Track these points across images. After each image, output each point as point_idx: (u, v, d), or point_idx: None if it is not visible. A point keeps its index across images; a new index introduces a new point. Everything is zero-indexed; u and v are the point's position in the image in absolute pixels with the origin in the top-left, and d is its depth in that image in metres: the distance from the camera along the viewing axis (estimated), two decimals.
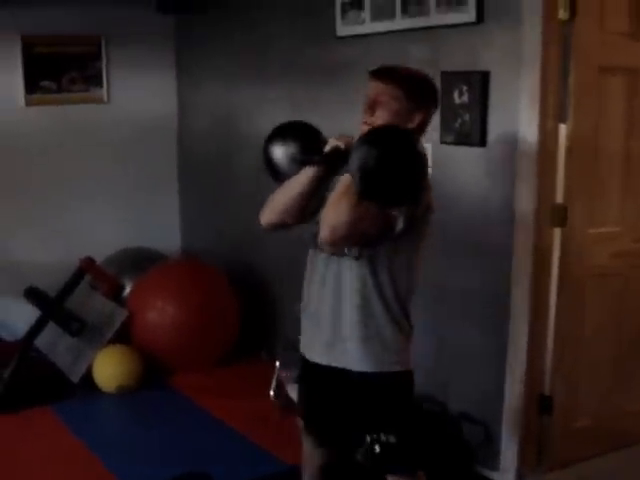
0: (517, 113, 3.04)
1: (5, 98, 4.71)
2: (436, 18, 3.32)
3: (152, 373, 4.27)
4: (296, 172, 2.41)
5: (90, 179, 5.05)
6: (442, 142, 3.35)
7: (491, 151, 3.18)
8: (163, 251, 5.08)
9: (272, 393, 3.96)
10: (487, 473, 3.37)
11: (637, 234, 3.33)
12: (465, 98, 3.22)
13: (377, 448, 2.37)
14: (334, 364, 2.43)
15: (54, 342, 4.49)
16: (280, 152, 2.50)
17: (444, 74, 3.29)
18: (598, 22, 3.02)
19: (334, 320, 2.41)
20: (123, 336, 4.33)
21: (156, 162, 5.29)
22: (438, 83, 3.30)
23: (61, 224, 4.97)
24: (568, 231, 3.13)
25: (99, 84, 4.97)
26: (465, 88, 3.21)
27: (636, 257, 3.33)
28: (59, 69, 4.83)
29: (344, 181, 2.20)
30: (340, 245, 2.31)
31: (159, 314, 4.31)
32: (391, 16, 3.53)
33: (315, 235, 2.37)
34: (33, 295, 4.49)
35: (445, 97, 3.29)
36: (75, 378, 4.22)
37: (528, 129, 3.00)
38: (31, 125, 4.79)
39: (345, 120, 3.92)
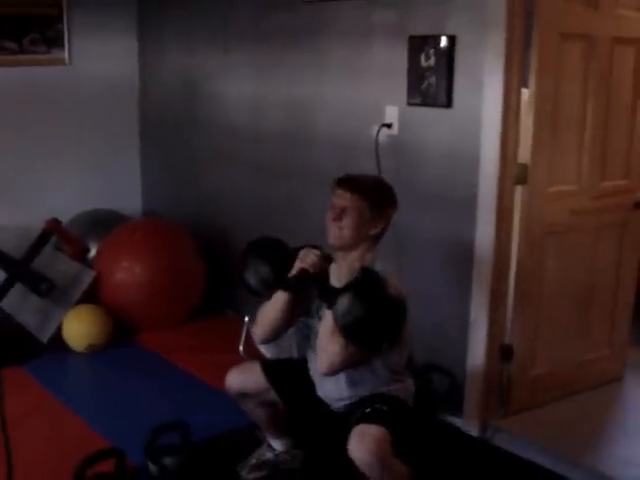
0: (482, 77, 3.17)
1: None
2: None
3: (121, 332, 4.34)
4: (272, 291, 2.70)
5: (52, 141, 5.04)
6: (409, 104, 3.47)
7: (456, 112, 3.32)
8: (125, 213, 5.13)
9: (241, 347, 4.07)
10: (452, 420, 3.55)
11: (594, 192, 3.50)
12: (431, 61, 3.35)
13: (368, 410, 2.58)
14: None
15: (21, 304, 4.51)
16: (253, 280, 2.79)
17: (411, 38, 3.42)
18: None
19: (334, 392, 2.75)
20: (91, 296, 4.39)
21: (118, 124, 5.30)
22: (405, 48, 3.44)
23: (23, 187, 4.95)
24: (529, 189, 3.29)
25: (61, 46, 4.95)
26: (432, 52, 3.34)
27: (593, 214, 3.51)
28: (21, 30, 4.80)
29: (329, 323, 2.48)
30: (338, 373, 2.62)
31: (126, 273, 4.38)
32: None
33: (308, 337, 2.79)
34: None
35: (412, 60, 3.42)
36: (44, 338, 4.27)
37: (492, 92, 3.14)
38: None
39: (309, 84, 4.03)
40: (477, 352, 3.42)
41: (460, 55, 3.27)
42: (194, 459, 3.09)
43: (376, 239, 2.68)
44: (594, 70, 3.35)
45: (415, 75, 3.41)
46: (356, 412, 2.61)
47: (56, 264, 4.55)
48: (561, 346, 3.60)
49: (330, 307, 2.48)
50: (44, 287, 4.25)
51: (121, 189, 5.38)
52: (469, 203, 3.31)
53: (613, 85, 3.45)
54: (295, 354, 3.34)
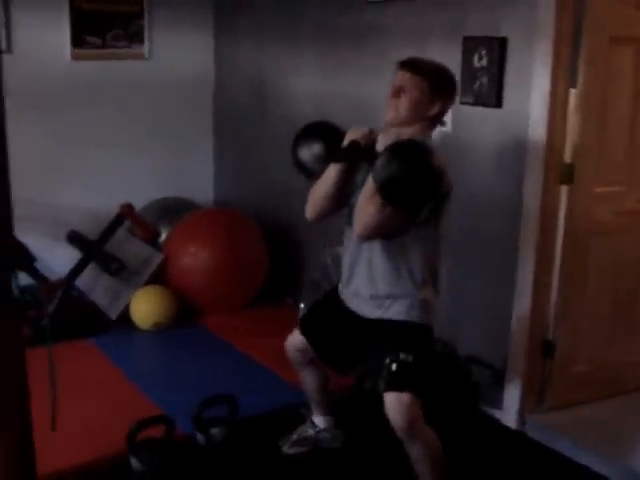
0: (531, 77, 3.27)
1: (54, 52, 4.95)
2: None
3: (185, 313, 4.58)
4: (323, 169, 2.76)
5: (131, 131, 5.31)
6: (461, 103, 3.58)
7: (506, 112, 3.41)
8: (197, 201, 5.38)
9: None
10: (491, 412, 3.65)
11: None
12: (484, 62, 3.45)
13: (394, 366, 2.67)
14: (359, 311, 2.84)
15: (94, 283, 4.81)
16: (306, 154, 2.83)
17: (465, 39, 3.53)
18: None
19: (368, 284, 2.77)
20: (159, 278, 4.64)
21: (193, 117, 5.55)
22: (459, 48, 3.56)
23: (102, 173, 5.22)
24: (575, 189, 3.36)
25: (141, 41, 5.22)
26: (484, 53, 3.44)
27: (638, 215, 3.55)
28: (104, 26, 5.07)
29: (370, 185, 2.54)
30: (372, 238, 2.68)
31: (192, 258, 4.61)
32: None
33: (349, 215, 2.78)
34: (75, 238, 4.81)
35: (465, 61, 3.53)
36: (113, 315, 4.54)
37: (540, 92, 3.23)
38: (77, 78, 5.02)
39: (371, 82, 4.17)
40: (519, 347, 3.51)
41: (511, 57, 3.37)
42: (239, 431, 3.28)
43: (432, 121, 2.71)
44: None
45: (468, 75, 3.52)
46: (384, 352, 2.70)
47: (128, 246, 4.83)
48: (604, 345, 3.64)
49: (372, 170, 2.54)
50: (114, 267, 4.54)
51: (194, 179, 5.62)
52: (516, 200, 3.40)
53: None
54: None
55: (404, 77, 2.66)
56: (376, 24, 4.10)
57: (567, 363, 3.58)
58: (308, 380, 3.20)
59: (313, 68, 4.63)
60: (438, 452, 2.74)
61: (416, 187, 2.46)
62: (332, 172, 2.73)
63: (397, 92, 2.65)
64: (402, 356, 2.68)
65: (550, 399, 3.59)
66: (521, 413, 3.55)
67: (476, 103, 3.52)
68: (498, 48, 3.38)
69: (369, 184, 2.57)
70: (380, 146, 2.68)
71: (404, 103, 2.64)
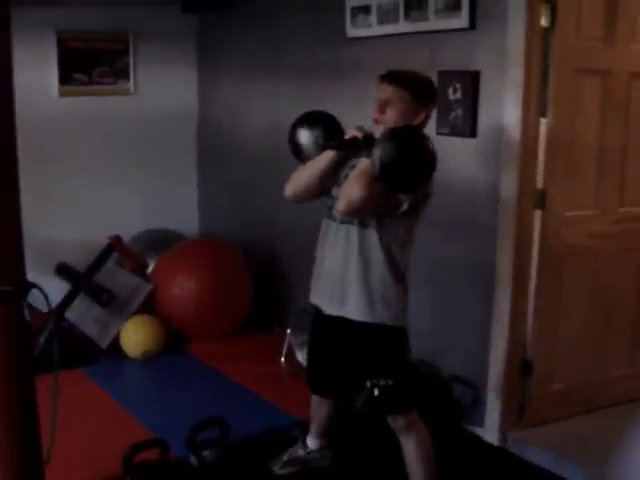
0: (503, 108, 3.44)
1: (41, 89, 5.10)
2: (434, 23, 3.71)
3: (173, 341, 4.70)
4: (317, 154, 2.87)
5: (117, 165, 5.46)
6: (438, 133, 3.73)
7: (480, 141, 3.58)
8: (183, 232, 5.51)
9: (283, 358, 4.39)
10: (474, 429, 3.77)
11: (611, 217, 3.71)
12: (458, 94, 3.62)
13: (376, 391, 2.79)
14: (336, 313, 2.90)
15: (83, 314, 4.90)
16: (305, 135, 2.96)
17: (440, 73, 3.70)
18: (575, 28, 3.41)
19: (341, 276, 2.86)
20: (147, 308, 4.76)
21: (177, 150, 5.72)
22: (435, 81, 3.71)
23: (89, 206, 5.36)
24: (547, 213, 3.52)
25: (126, 77, 5.39)
26: (459, 86, 3.62)
27: (609, 238, 3.71)
28: (90, 63, 5.25)
29: (364, 163, 2.66)
30: (352, 215, 2.75)
31: (180, 288, 4.73)
32: (395, 21, 3.93)
33: (330, 208, 2.87)
34: (64, 270, 4.91)
35: (441, 93, 3.67)
36: (104, 344, 4.64)
37: (512, 122, 3.40)
38: (64, 114, 5.17)
39: (353, 115, 4.31)
40: (498, 366, 3.64)
41: (483, 89, 3.54)
42: (231, 453, 3.39)
43: (419, 128, 2.80)
44: (612, 102, 3.58)
45: (444, 107, 3.69)
46: (364, 375, 2.80)
47: (117, 277, 4.94)
48: (581, 363, 3.78)
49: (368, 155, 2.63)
50: (105, 297, 4.64)
51: (179, 211, 5.77)
52: (491, 226, 3.56)
53: (632, 115, 3.66)
54: None
55: (387, 91, 2.78)
56: (354, 59, 4.27)
57: (545, 381, 3.71)
58: (321, 407, 3.29)
59: (294, 102, 4.78)
60: (429, 448, 2.91)
61: (414, 166, 2.55)
62: (325, 158, 2.81)
63: (383, 106, 2.78)
64: (382, 382, 2.79)
65: (529, 416, 3.72)
66: (502, 430, 3.67)
67: (452, 133, 3.69)
68: (471, 81, 3.55)
69: (360, 165, 2.67)
70: None
71: (391, 116, 2.76)
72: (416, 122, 2.79)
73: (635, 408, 3.93)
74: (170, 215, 5.62)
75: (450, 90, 3.66)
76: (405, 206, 2.69)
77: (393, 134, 2.58)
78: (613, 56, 3.55)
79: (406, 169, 2.55)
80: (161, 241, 5.24)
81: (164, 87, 5.54)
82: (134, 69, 5.40)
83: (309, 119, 3.00)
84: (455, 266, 3.80)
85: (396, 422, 2.89)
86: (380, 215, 2.75)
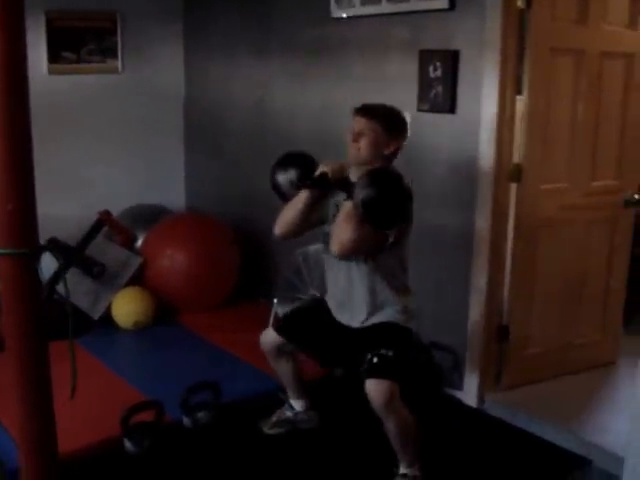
0: (481, 86, 3.61)
1: (31, 67, 5.10)
2: (416, 4, 3.87)
3: (163, 312, 4.85)
4: (296, 193, 3.10)
5: (105, 142, 5.55)
6: (419, 110, 3.91)
7: (459, 117, 3.75)
8: (170, 207, 5.65)
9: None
10: (453, 393, 3.97)
11: (583, 190, 3.90)
12: (439, 72, 3.78)
13: (375, 359, 2.97)
14: (346, 322, 3.19)
15: (75, 287, 5.03)
16: (282, 178, 3.21)
17: (421, 52, 3.86)
18: (550, 10, 3.57)
19: (349, 302, 3.13)
20: (137, 280, 4.90)
21: (164, 127, 5.83)
22: (416, 60, 3.89)
23: (79, 183, 5.46)
24: (523, 186, 3.70)
25: (114, 56, 5.48)
26: (439, 64, 3.77)
27: (581, 210, 3.90)
28: (79, 42, 5.33)
29: (348, 207, 2.90)
30: (347, 256, 3.01)
31: (169, 260, 4.88)
32: (378, 1, 4.07)
33: (326, 242, 3.11)
34: (55, 245, 5.03)
35: (422, 72, 3.87)
36: (95, 316, 4.78)
37: (490, 99, 3.57)
38: (53, 91, 5.23)
39: (338, 92, 4.49)
40: (476, 332, 3.83)
41: (463, 67, 3.70)
42: (223, 415, 3.56)
43: (389, 159, 3.03)
44: (584, 80, 3.75)
45: (424, 84, 3.85)
46: (367, 351, 2.99)
47: (107, 251, 5.07)
48: (554, 329, 3.98)
49: (348, 196, 2.89)
50: (96, 270, 4.78)
51: (167, 186, 5.89)
52: (469, 197, 3.74)
53: (604, 94, 3.84)
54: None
55: (360, 122, 3.01)
56: (339, 39, 4.41)
57: (521, 346, 3.91)
58: (283, 370, 3.48)
59: (281, 79, 4.93)
60: (412, 428, 3.03)
61: (393, 206, 2.84)
62: (302, 197, 3.06)
63: (356, 138, 3.01)
64: (383, 351, 2.98)
65: (506, 379, 3.92)
66: (480, 393, 3.87)
67: (432, 110, 3.85)
68: (451, 60, 3.71)
69: (345, 209, 2.91)
70: (354, 177, 3.02)
71: (364, 146, 2.99)
72: (387, 152, 3.02)
73: (604, 372, 4.16)
74: (158, 190, 5.76)
75: (431, 68, 3.82)
76: (391, 239, 2.95)
77: (371, 179, 2.82)
78: (586, 36, 3.72)
79: (387, 209, 2.83)
80: (149, 216, 5.37)
81: (151, 65, 5.64)
82: (122, 48, 5.49)
83: (284, 161, 3.23)
84: (434, 236, 3.97)
85: (378, 392, 2.92)
86: (372, 251, 3.00)
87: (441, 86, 3.78)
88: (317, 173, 3.04)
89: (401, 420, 2.97)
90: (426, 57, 3.83)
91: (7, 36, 1.93)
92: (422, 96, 3.88)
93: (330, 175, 3.00)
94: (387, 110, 3.08)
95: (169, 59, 5.76)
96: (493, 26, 3.51)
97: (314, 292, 4.11)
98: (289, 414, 3.58)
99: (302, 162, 3.19)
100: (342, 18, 4.34)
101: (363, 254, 3.00)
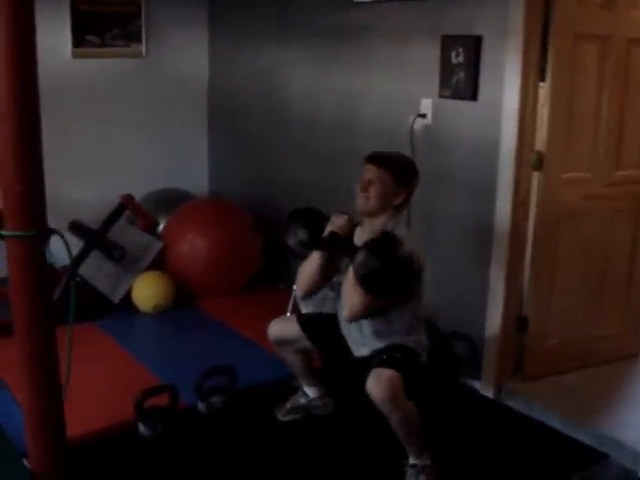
0: (503, 72, 3.55)
1: (55, 51, 5.20)
2: None
3: (183, 297, 4.86)
4: (308, 252, 3.15)
5: (129, 126, 5.57)
6: (440, 96, 3.86)
7: (481, 104, 3.70)
8: (193, 192, 5.65)
9: (288, 314, 4.53)
10: (471, 383, 3.93)
11: (606, 180, 3.83)
12: (461, 58, 3.73)
13: (384, 357, 2.97)
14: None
15: (95, 271, 5.06)
16: (292, 241, 3.27)
17: (444, 37, 3.81)
18: None
19: (361, 343, 3.14)
20: (158, 264, 4.91)
21: (188, 112, 5.83)
22: (438, 46, 3.84)
23: (102, 167, 5.50)
24: (545, 175, 3.64)
25: (138, 40, 5.49)
26: (461, 50, 3.72)
27: (604, 200, 3.83)
28: (103, 26, 5.34)
29: (352, 276, 2.88)
30: (358, 320, 3.03)
31: (190, 245, 4.89)
32: None
33: (338, 292, 3.15)
34: (77, 228, 5.06)
35: (444, 57, 3.81)
36: (115, 299, 4.81)
37: (511, 87, 3.51)
38: (77, 75, 5.27)
39: (357, 78, 4.45)
40: (494, 322, 3.79)
41: (485, 53, 3.64)
42: (238, 400, 3.56)
43: (399, 208, 3.07)
44: (610, 67, 3.67)
45: (446, 71, 3.80)
46: (375, 358, 3.02)
47: (128, 235, 5.09)
48: (574, 320, 3.92)
49: (352, 262, 2.89)
50: (117, 253, 4.80)
51: (190, 171, 5.90)
52: (490, 186, 3.69)
53: (630, 81, 3.76)
54: (329, 310, 3.75)
55: (371, 171, 3.03)
56: (361, 23, 4.37)
57: (540, 337, 3.86)
58: (291, 360, 3.47)
59: (303, 65, 4.90)
60: (417, 422, 2.96)
61: (392, 278, 2.82)
62: (315, 257, 3.10)
63: (366, 187, 3.02)
64: (392, 354, 3.00)
65: (525, 371, 3.88)
66: (497, 383, 3.83)
67: (454, 96, 3.80)
68: (473, 45, 3.65)
69: (350, 274, 2.91)
70: (357, 239, 3.06)
71: (373, 195, 3.01)
72: (396, 202, 3.03)
73: (625, 365, 4.09)
74: (181, 175, 5.76)
75: (453, 54, 3.76)
76: (399, 298, 2.97)
77: (369, 254, 2.81)
78: (612, 22, 3.64)
79: (385, 283, 2.83)
80: (172, 200, 5.37)
81: (175, 50, 5.64)
82: (146, 32, 5.49)
83: (292, 221, 3.29)
84: (454, 225, 3.93)
85: (382, 387, 2.85)
86: (383, 309, 3.01)
87: (463, 72, 3.72)
88: (326, 232, 3.06)
89: (405, 415, 2.91)
90: (448, 43, 3.78)
91: (15, 21, 1.91)
92: (444, 82, 3.83)
93: (339, 233, 3.04)
94: (398, 159, 3.12)
95: (193, 44, 5.75)
96: (516, 11, 3.44)
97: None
98: (303, 401, 3.57)
99: (310, 221, 3.23)
100: (364, 3, 4.30)
101: (373, 315, 3.02)
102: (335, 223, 3.08)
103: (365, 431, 3.43)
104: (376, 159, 3.05)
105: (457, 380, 3.96)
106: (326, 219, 3.16)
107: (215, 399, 3.50)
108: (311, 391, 3.57)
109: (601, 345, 4.04)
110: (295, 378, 3.60)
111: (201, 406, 3.49)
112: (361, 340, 3.14)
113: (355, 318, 3.01)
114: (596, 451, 3.36)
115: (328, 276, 3.18)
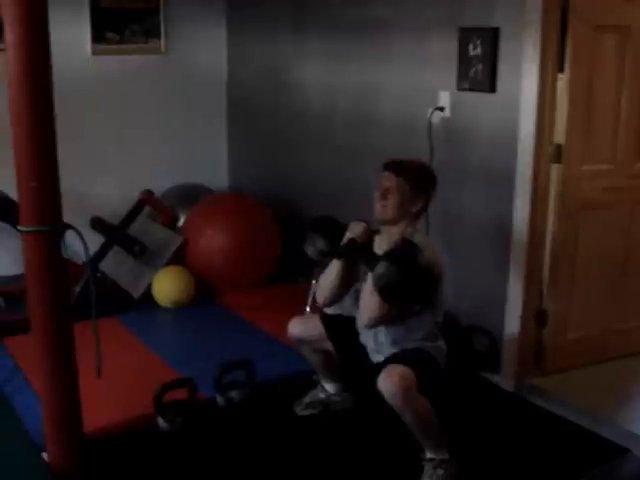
0: (521, 64, 3.52)
1: (75, 47, 5.23)
2: None
3: (203, 292, 4.88)
4: (328, 261, 3.18)
5: (149, 122, 5.60)
6: (458, 89, 3.84)
7: (499, 97, 3.67)
8: (213, 187, 5.67)
9: (307, 308, 4.53)
10: (491, 377, 3.91)
11: (627, 171, 3.79)
12: (478, 50, 3.70)
13: (398, 354, 2.99)
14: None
15: (117, 266, 5.10)
16: (312, 251, 3.27)
17: (461, 29, 3.78)
18: None
19: (378, 351, 3.13)
20: (178, 259, 4.94)
21: (208, 107, 5.84)
22: (455, 38, 3.81)
23: (122, 163, 5.53)
24: (564, 167, 3.61)
25: (157, 36, 5.51)
26: (479, 42, 3.69)
27: (625, 192, 3.79)
28: (122, 22, 5.37)
29: (370, 285, 2.89)
30: (376, 327, 3.04)
31: (210, 240, 4.90)
32: None
33: (356, 298, 3.14)
34: (98, 224, 5.09)
35: (461, 50, 3.79)
36: (136, 294, 4.84)
37: (529, 79, 3.48)
38: (97, 71, 5.30)
39: (375, 72, 4.43)
40: (514, 316, 3.76)
41: (503, 45, 3.61)
42: (257, 394, 3.57)
43: (417, 215, 3.08)
44: (629, 58, 3.63)
45: (464, 63, 3.78)
46: (389, 360, 3.02)
47: (149, 230, 5.12)
48: (595, 314, 3.89)
49: (371, 271, 2.90)
50: (137, 249, 4.83)
51: (210, 166, 5.91)
52: (509, 178, 3.66)
53: None
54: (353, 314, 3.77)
55: (389, 179, 3.02)
56: (378, 16, 4.35)
57: (560, 331, 3.83)
58: (312, 357, 3.48)
59: (320, 58, 4.89)
60: (432, 417, 2.94)
61: (411, 288, 2.82)
62: (335, 266, 3.13)
63: (384, 195, 3.01)
64: (407, 352, 3.01)
65: (545, 364, 3.85)
66: (518, 378, 3.81)
67: (472, 89, 3.78)
68: (491, 37, 3.63)
69: (369, 283, 2.91)
70: (377, 247, 3.06)
71: (391, 204, 3.00)
72: (414, 210, 3.03)
73: None
74: (201, 170, 5.77)
75: (470, 46, 3.74)
76: (418, 307, 2.98)
77: (388, 262, 2.81)
78: (632, 12, 3.60)
79: (403, 293, 2.83)
80: (192, 195, 5.39)
81: (194, 46, 5.65)
82: (165, 29, 5.51)
83: (311, 230, 3.27)
84: (474, 218, 3.91)
85: (395, 384, 2.83)
86: (399, 319, 3.01)
87: (481, 64, 3.70)
88: (345, 240, 3.07)
89: (418, 411, 2.89)
90: (466, 35, 3.75)
91: (27, 20, 1.92)
92: (462, 75, 3.80)
93: (358, 241, 3.03)
94: (416, 167, 3.10)
95: (212, 39, 5.76)
96: (534, 2, 3.41)
97: None
98: (322, 395, 3.57)
99: (330, 230, 3.22)
100: None
101: (392, 322, 3.02)
102: (353, 231, 3.08)
103: (383, 426, 3.41)
104: (394, 167, 3.04)
105: (477, 375, 3.94)
106: (345, 228, 3.15)
107: (234, 393, 3.51)
108: (330, 387, 3.57)
109: (621, 339, 4.00)
110: (315, 373, 3.60)
111: (220, 400, 3.51)
112: (376, 348, 3.14)
113: (372, 325, 3.01)
114: (617, 445, 3.33)
115: (348, 284, 3.19)
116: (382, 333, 3.08)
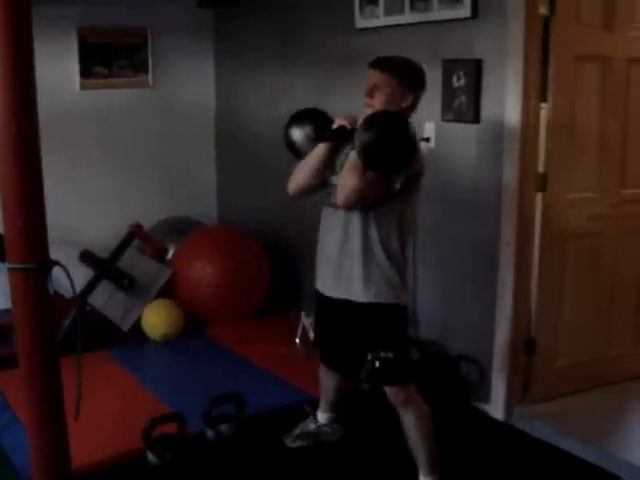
0: (504, 94, 3.56)
1: (63, 82, 5.27)
2: (438, 14, 3.84)
3: (192, 324, 4.88)
4: (311, 149, 3.02)
5: (137, 156, 5.63)
6: (443, 120, 3.88)
7: (483, 127, 3.71)
8: (202, 220, 5.68)
9: (297, 340, 4.55)
10: (480, 406, 3.91)
11: (612, 199, 3.82)
12: (462, 82, 3.75)
13: (377, 364, 2.93)
14: (340, 297, 3.04)
15: (106, 299, 5.09)
16: (298, 133, 3.12)
17: (445, 61, 3.83)
18: (574, 16, 3.52)
19: (343, 261, 3.00)
20: (167, 292, 4.94)
21: (196, 141, 5.88)
22: (439, 70, 3.86)
23: (111, 196, 5.54)
24: (548, 196, 3.64)
25: (145, 70, 5.55)
26: (462, 73, 3.74)
27: (610, 220, 3.82)
28: (110, 57, 5.41)
29: (353, 157, 2.80)
30: (351, 206, 2.89)
31: (199, 273, 4.90)
32: (401, 11, 4.06)
33: (329, 194, 2.99)
34: (87, 257, 5.09)
35: (445, 81, 3.84)
36: (125, 327, 4.83)
37: (513, 108, 3.52)
38: (85, 106, 5.34)
39: (361, 102, 4.46)
40: (503, 344, 3.77)
41: (486, 76, 3.66)
42: (247, 427, 3.55)
43: (407, 111, 2.91)
44: (611, 87, 3.68)
45: (448, 94, 3.82)
46: (366, 349, 2.93)
47: (138, 263, 5.12)
48: (584, 341, 3.90)
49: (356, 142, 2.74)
50: (126, 282, 4.83)
51: (198, 199, 5.94)
52: (494, 209, 3.69)
53: (631, 100, 3.76)
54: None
55: (375, 76, 2.92)
56: (364, 49, 4.39)
57: (549, 359, 3.84)
58: (328, 380, 3.45)
59: (308, 90, 4.94)
60: (430, 424, 3.01)
61: (392, 148, 2.67)
62: (320, 150, 2.95)
63: (371, 91, 2.92)
64: (382, 354, 2.93)
65: (534, 392, 3.85)
66: (507, 406, 3.80)
67: (456, 119, 3.82)
68: (474, 69, 3.67)
69: (350, 158, 2.81)
70: None
71: (378, 102, 2.89)
72: (404, 105, 2.91)
73: (636, 386, 4.04)
74: (189, 203, 5.79)
75: (454, 78, 3.78)
76: (398, 185, 2.81)
77: (368, 121, 2.71)
78: (612, 43, 3.65)
79: (385, 151, 2.67)
80: (181, 228, 5.40)
81: (182, 79, 5.70)
82: (153, 63, 5.56)
83: (298, 117, 3.14)
84: (460, 247, 3.93)
85: (395, 396, 2.99)
86: (378, 200, 2.87)
87: (465, 95, 3.74)
88: (335, 126, 2.94)
89: (419, 413, 2.99)
90: (449, 66, 3.80)
91: (13, 57, 1.94)
92: (446, 106, 3.85)
93: (348, 127, 2.89)
94: (403, 61, 2.98)
95: (200, 72, 5.81)
96: (516, 34, 3.46)
97: None
98: (313, 426, 3.56)
99: (318, 117, 3.12)
100: (366, 29, 4.34)
101: (368, 203, 2.87)
102: (344, 119, 2.95)
103: (374, 458, 3.41)
104: (380, 63, 2.93)
105: (466, 403, 3.94)
106: (331, 119, 3.05)
107: (224, 427, 3.49)
108: (323, 417, 3.56)
109: (611, 366, 4.01)
110: (309, 403, 3.59)
111: (210, 434, 3.49)
112: (344, 267, 2.98)
113: (350, 200, 2.81)
114: (608, 473, 3.32)
115: (323, 177, 3.02)
116: (353, 240, 2.94)
